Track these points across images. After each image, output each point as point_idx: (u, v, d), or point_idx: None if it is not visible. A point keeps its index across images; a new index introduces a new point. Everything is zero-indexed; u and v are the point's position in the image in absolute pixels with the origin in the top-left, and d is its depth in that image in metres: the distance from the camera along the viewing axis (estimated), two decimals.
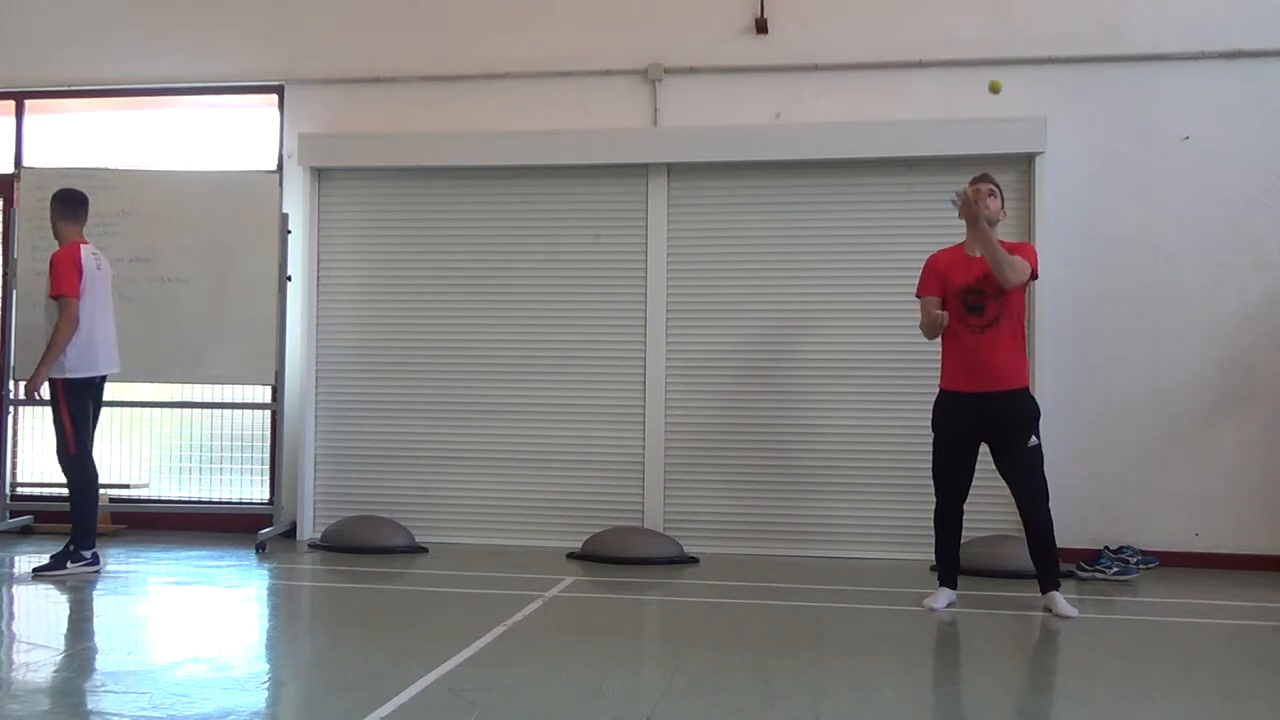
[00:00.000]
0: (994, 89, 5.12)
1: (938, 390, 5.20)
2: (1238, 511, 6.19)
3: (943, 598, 5.08)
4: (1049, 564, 4.99)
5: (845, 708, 3.50)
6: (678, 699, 3.55)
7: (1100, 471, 6.22)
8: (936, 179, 6.45)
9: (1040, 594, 5.02)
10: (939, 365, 6.32)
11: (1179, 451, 6.25)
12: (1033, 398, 5.07)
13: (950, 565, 5.17)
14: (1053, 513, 5.06)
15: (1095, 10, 6.42)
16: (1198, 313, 6.28)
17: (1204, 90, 6.32)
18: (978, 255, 5.01)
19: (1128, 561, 5.87)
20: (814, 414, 6.50)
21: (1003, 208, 5.13)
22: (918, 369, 6.40)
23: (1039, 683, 4.07)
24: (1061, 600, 4.94)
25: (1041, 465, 4.99)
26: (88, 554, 5.63)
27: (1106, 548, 5.97)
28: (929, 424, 6.35)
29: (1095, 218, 6.36)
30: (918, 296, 5.19)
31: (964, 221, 5.11)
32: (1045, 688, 3.98)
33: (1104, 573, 5.81)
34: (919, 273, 6.41)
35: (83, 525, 5.60)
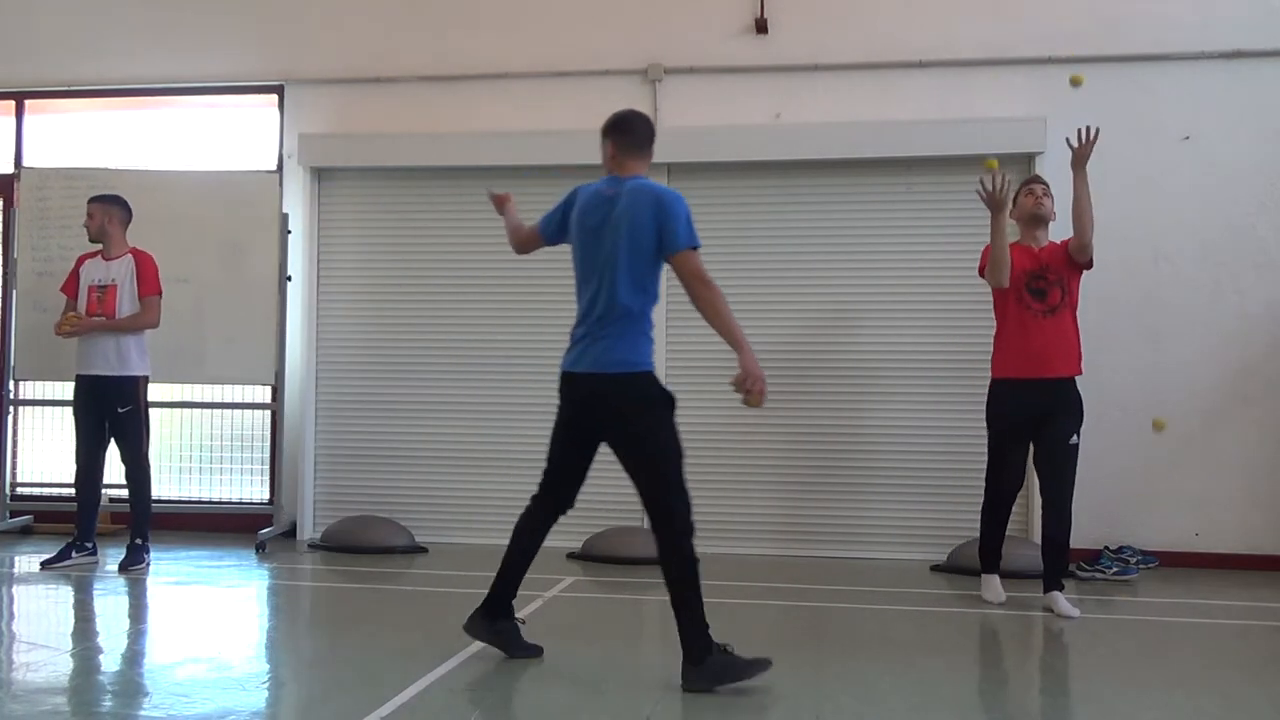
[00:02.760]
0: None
1: (989, 382, 5.20)
2: (1238, 511, 6.19)
3: (997, 585, 5.17)
4: (1059, 565, 5.02)
5: (845, 708, 3.50)
6: (678, 699, 3.55)
7: (1100, 471, 6.20)
8: (936, 179, 6.46)
9: (1042, 593, 5.03)
10: (942, 366, 6.36)
11: (1179, 451, 6.24)
12: (1080, 394, 5.07)
13: (998, 554, 5.24)
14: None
15: (1095, 10, 6.42)
16: (1198, 313, 6.28)
17: (1204, 90, 6.32)
18: (1036, 249, 5.14)
19: (1128, 561, 5.87)
20: (814, 414, 6.49)
21: (1053, 206, 5.23)
22: (919, 369, 6.41)
23: (1039, 683, 4.07)
24: (1063, 600, 4.94)
25: (1075, 467, 5.01)
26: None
27: (1106, 548, 5.97)
28: (929, 424, 6.39)
29: (1095, 218, 6.34)
30: (980, 275, 5.22)
31: (1017, 224, 5.23)
32: (1045, 688, 3.98)
33: (1104, 573, 5.81)
34: (919, 273, 6.46)
35: (149, 519, 5.90)
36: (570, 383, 4.00)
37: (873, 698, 3.59)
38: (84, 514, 5.88)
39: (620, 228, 3.85)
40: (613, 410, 3.89)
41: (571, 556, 6.31)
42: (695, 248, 3.84)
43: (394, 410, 6.87)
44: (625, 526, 6.48)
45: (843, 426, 6.49)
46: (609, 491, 6.63)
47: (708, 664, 3.61)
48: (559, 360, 6.71)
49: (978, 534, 5.30)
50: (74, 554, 5.80)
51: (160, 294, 5.91)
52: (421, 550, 6.44)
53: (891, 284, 6.46)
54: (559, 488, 4.11)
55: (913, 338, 6.42)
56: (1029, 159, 6.31)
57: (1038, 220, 5.16)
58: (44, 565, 5.73)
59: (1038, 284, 5.04)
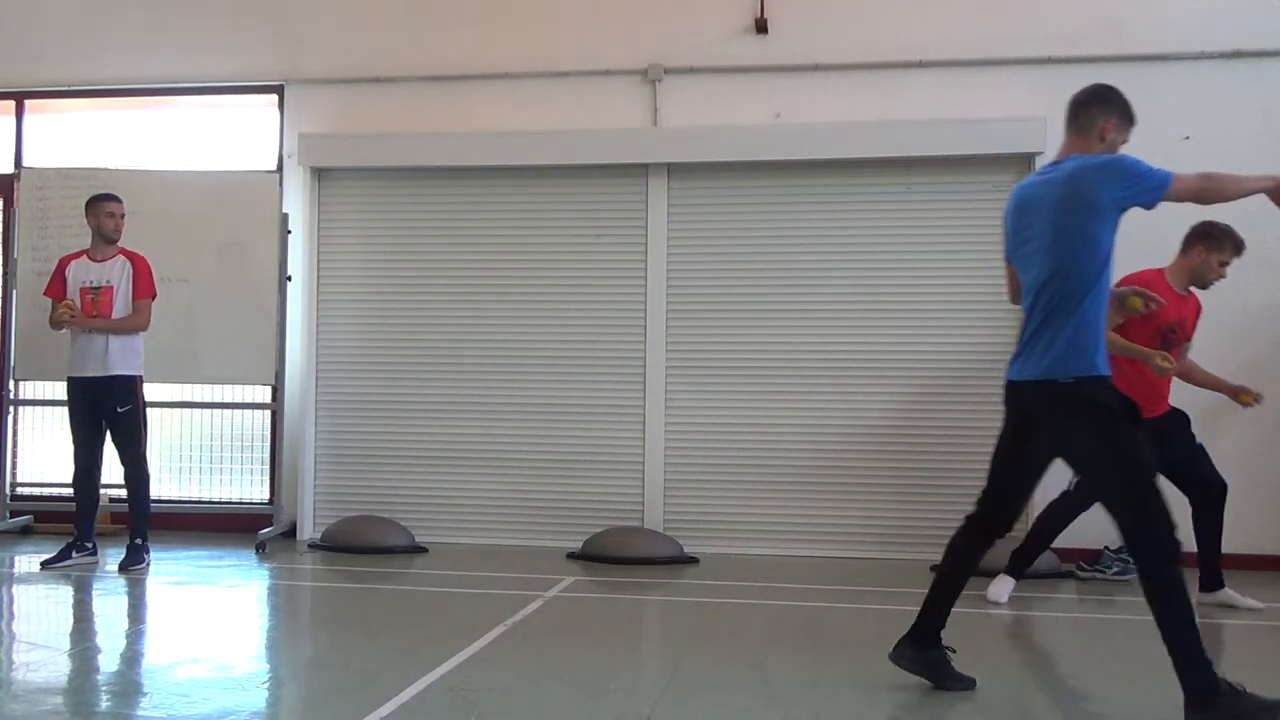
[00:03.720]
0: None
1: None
2: (1238, 512, 6.13)
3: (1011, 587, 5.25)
4: (1218, 563, 5.16)
5: (845, 708, 3.50)
6: (678, 699, 3.55)
7: None
8: (936, 179, 6.46)
9: (1210, 591, 5.12)
10: (941, 366, 6.37)
11: None
12: (1179, 410, 5.27)
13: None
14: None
15: (1095, 10, 6.43)
16: None
17: (1204, 90, 6.32)
18: (1187, 294, 5.17)
19: (1128, 561, 5.85)
20: (814, 414, 6.50)
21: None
22: (918, 369, 6.41)
23: (1039, 683, 4.07)
24: (1236, 594, 5.09)
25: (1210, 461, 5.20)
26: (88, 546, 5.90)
27: (1106, 548, 5.96)
28: (929, 424, 6.39)
29: None
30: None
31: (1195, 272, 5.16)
32: (1045, 687, 3.98)
33: (1104, 573, 5.81)
34: (918, 273, 6.46)
35: (148, 519, 5.89)
36: (1009, 393, 3.65)
37: (873, 698, 3.59)
38: (83, 514, 5.87)
39: (1053, 212, 3.53)
40: (1047, 420, 3.50)
41: (571, 556, 6.31)
42: (1169, 182, 3.47)
43: (394, 410, 6.87)
44: (625, 526, 6.49)
45: (843, 426, 6.49)
46: (609, 491, 6.70)
47: (1219, 706, 3.20)
48: (560, 360, 6.80)
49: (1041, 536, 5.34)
50: (74, 554, 5.79)
51: (154, 297, 5.89)
52: (421, 550, 6.44)
53: (891, 284, 6.46)
54: (994, 504, 3.69)
55: (912, 338, 6.42)
56: (1029, 159, 6.30)
57: (1199, 286, 5.20)
58: (44, 565, 5.73)
59: (1171, 336, 5.07)
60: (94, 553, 5.90)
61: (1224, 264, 5.11)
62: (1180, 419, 5.23)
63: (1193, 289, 5.21)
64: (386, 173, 6.93)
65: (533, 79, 6.86)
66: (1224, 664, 4.17)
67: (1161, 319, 4.88)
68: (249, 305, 6.59)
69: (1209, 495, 5.12)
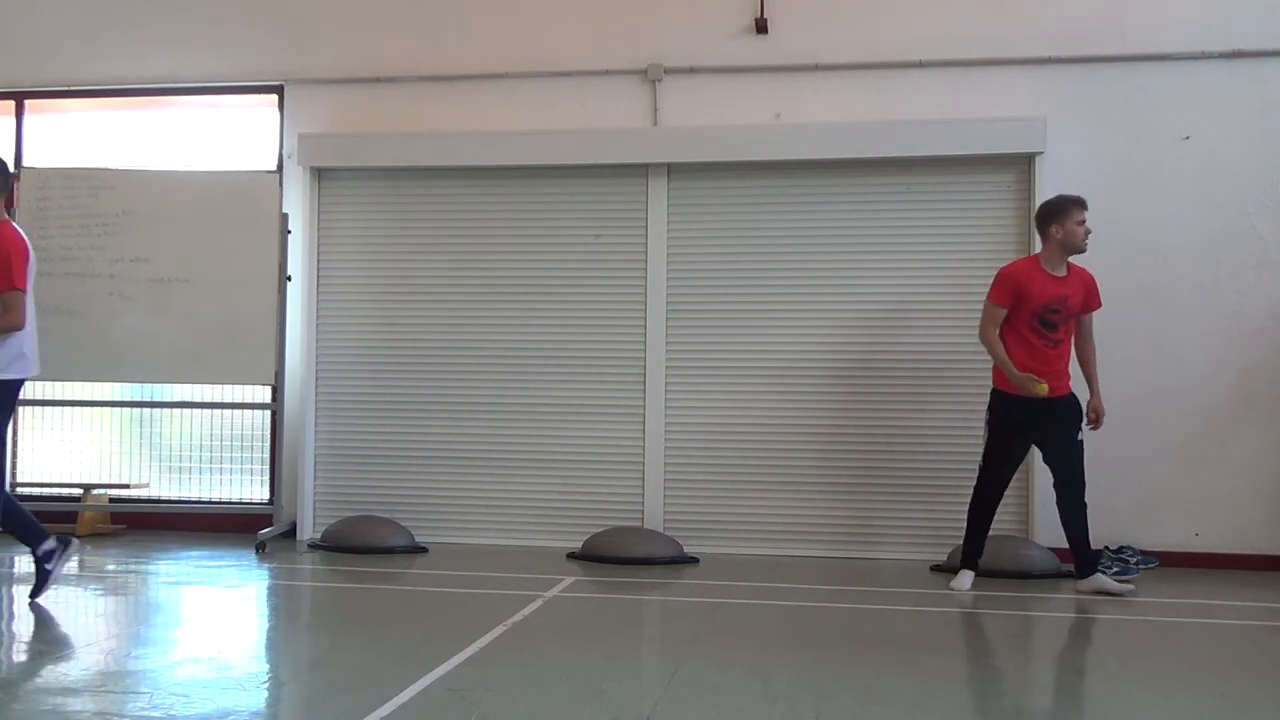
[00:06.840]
0: None
1: (991, 391, 5.45)
2: (1237, 511, 6.19)
3: (967, 579, 5.43)
4: (1090, 548, 5.38)
5: (845, 708, 3.49)
6: (678, 699, 3.55)
7: (1100, 471, 6.18)
8: (936, 179, 6.46)
9: (1081, 580, 5.37)
10: (941, 366, 6.37)
11: (1178, 451, 6.25)
12: (1075, 397, 5.43)
13: (979, 550, 5.49)
14: (1055, 514, 5.31)
15: (1095, 10, 6.43)
16: (1197, 313, 6.28)
17: (1204, 90, 6.33)
18: (1059, 274, 5.33)
19: (1128, 561, 5.87)
20: (813, 414, 6.50)
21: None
22: (917, 369, 6.41)
23: (1039, 682, 4.07)
24: (1108, 579, 5.37)
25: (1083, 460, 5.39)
26: None
27: (1106, 548, 5.97)
28: (929, 424, 6.39)
29: (1095, 218, 6.32)
30: (990, 301, 5.38)
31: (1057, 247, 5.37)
32: (1045, 687, 3.98)
33: (1104, 573, 5.80)
34: (917, 273, 6.46)
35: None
36: None
37: (873, 698, 3.59)
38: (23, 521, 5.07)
39: None
40: None
41: (571, 556, 6.31)
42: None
43: (394, 410, 6.87)
44: (625, 526, 6.49)
45: (842, 426, 6.49)
46: (609, 491, 6.70)
47: None
48: (560, 360, 6.79)
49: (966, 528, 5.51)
50: (47, 566, 5.02)
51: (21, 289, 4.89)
52: (421, 550, 6.45)
53: (890, 284, 6.47)
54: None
55: (911, 338, 6.42)
56: (1029, 159, 6.31)
57: (1076, 252, 5.36)
58: (32, 598, 5.05)
59: (1051, 316, 5.26)
60: (58, 546, 5.07)
61: (1081, 223, 5.31)
62: (1070, 408, 5.37)
63: (1073, 263, 5.39)
64: (386, 173, 6.93)
65: (533, 79, 6.87)
66: (1222, 663, 4.18)
67: (1031, 302, 5.21)
68: (248, 305, 6.59)
69: (1070, 492, 5.34)
